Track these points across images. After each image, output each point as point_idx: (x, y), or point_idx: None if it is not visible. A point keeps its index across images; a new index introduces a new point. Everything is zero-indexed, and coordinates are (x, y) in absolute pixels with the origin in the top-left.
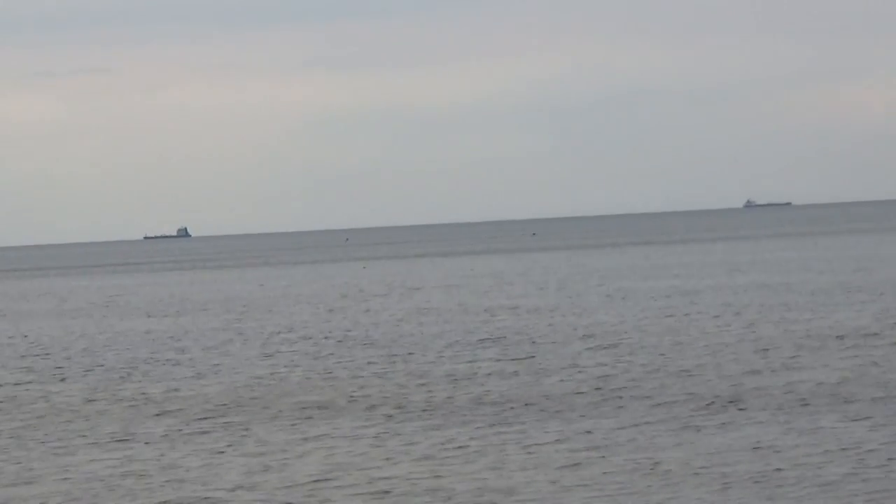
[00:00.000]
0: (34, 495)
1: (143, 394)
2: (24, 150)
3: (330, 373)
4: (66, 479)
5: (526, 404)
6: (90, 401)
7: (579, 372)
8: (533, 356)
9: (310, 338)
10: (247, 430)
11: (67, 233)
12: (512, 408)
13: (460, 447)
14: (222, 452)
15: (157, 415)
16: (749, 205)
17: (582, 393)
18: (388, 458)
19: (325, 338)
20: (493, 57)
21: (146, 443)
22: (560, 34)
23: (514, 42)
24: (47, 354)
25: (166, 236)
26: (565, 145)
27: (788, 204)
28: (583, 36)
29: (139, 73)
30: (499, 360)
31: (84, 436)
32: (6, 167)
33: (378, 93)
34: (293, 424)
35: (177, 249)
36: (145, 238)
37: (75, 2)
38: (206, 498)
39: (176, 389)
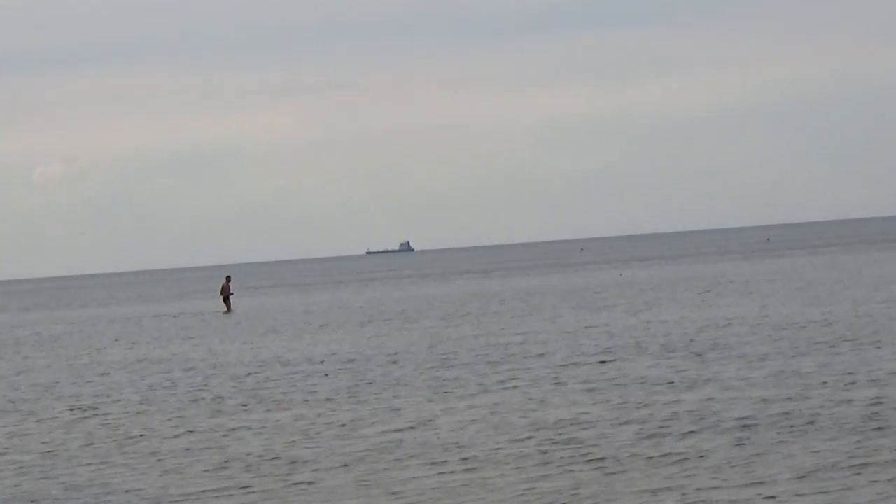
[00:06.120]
0: None
1: None
2: (262, 168)
3: None
4: None
5: None
6: None
7: None
8: None
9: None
10: None
11: (295, 249)
12: None
13: None
14: None
15: None
16: None
17: None
18: None
19: None
20: (720, 66)
21: None
22: (792, 37)
23: (741, 50)
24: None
25: (389, 251)
26: (797, 149)
27: None
28: (815, 38)
29: (377, 88)
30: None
31: None
32: (241, 186)
33: (604, 102)
34: None
35: (423, 262)
36: (368, 253)
37: (320, 17)
38: None
39: None
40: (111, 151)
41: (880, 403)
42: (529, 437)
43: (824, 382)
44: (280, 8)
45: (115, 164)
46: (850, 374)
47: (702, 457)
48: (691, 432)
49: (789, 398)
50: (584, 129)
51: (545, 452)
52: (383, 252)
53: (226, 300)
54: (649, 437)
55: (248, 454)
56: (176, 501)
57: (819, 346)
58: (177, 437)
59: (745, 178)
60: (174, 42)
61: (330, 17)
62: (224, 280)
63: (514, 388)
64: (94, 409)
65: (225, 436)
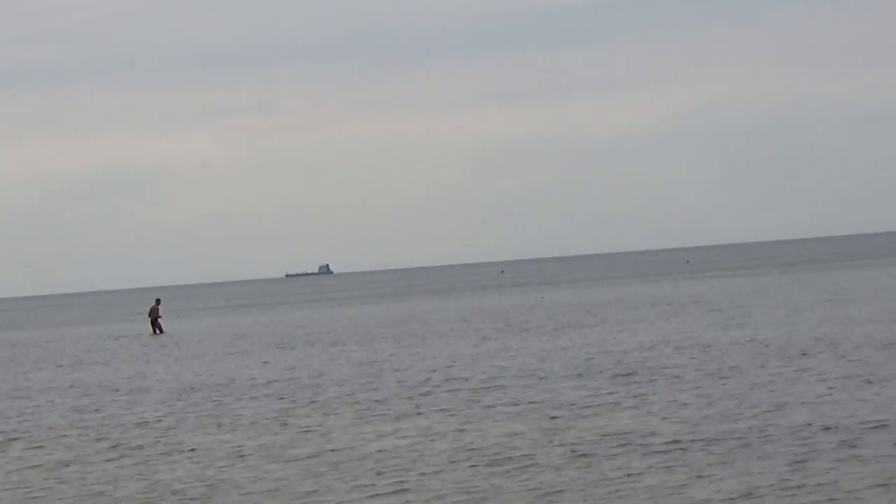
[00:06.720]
0: None
1: None
2: (181, 191)
3: None
4: None
5: None
6: None
7: None
8: None
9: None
10: None
11: (214, 272)
12: None
13: None
14: None
15: None
16: None
17: None
18: None
19: None
20: (644, 88)
21: None
22: (715, 61)
23: (665, 73)
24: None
25: (308, 273)
26: (719, 172)
27: None
28: (738, 62)
29: (298, 110)
30: None
31: None
32: (165, 207)
33: (526, 124)
34: None
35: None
36: (287, 276)
37: (239, 40)
38: None
39: None
40: (30, 174)
41: (810, 425)
42: (461, 461)
43: (753, 404)
44: (199, 31)
45: (35, 187)
46: (778, 395)
47: (634, 479)
48: (622, 454)
49: (719, 420)
50: (506, 150)
51: (478, 475)
52: (303, 275)
53: (153, 322)
54: (581, 457)
55: (176, 479)
56: None
57: (746, 367)
58: (104, 461)
59: (665, 200)
60: (94, 65)
61: (249, 40)
62: (153, 302)
63: (442, 410)
64: (19, 434)
65: (153, 460)
